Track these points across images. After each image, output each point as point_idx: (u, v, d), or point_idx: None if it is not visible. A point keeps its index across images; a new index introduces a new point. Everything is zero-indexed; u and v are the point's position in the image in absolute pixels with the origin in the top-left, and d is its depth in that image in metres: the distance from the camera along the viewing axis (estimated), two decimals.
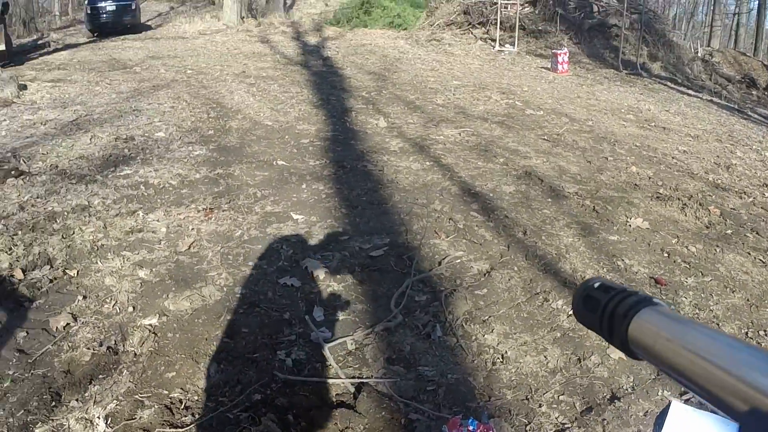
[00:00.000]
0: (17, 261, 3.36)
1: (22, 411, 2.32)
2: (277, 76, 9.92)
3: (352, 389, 2.58)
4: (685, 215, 4.66)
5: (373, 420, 2.41)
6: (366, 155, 5.65)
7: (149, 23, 19.57)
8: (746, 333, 3.14)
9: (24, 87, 6.85)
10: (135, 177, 4.73)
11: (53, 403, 2.37)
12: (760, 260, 3.97)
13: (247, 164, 5.19)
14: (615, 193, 5.05)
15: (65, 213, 4.00)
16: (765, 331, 3.19)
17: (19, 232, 3.65)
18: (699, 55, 18.30)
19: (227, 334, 2.88)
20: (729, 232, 4.34)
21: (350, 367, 2.74)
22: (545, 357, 2.86)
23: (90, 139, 5.50)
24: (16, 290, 3.10)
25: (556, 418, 2.45)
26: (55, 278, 3.25)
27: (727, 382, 0.54)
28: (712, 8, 33.24)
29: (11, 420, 2.27)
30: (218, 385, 2.53)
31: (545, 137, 6.78)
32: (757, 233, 4.43)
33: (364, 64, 11.99)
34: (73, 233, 3.73)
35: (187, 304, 3.10)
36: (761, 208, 5.05)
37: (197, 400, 2.44)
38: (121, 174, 4.76)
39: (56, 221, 3.86)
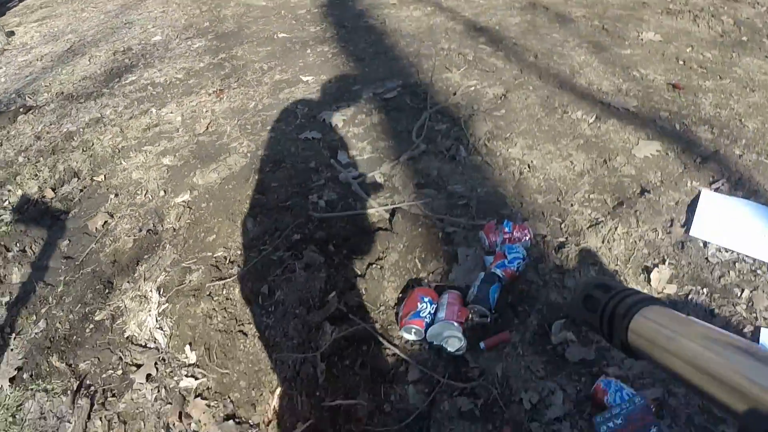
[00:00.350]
0: (45, 183, 3.42)
1: (80, 305, 2.45)
2: None
3: (387, 215, 2.63)
4: (698, 26, 4.43)
5: (411, 237, 2.48)
6: (366, 12, 5.45)
7: None
8: None
9: (11, 33, 6.66)
10: (141, 81, 4.68)
11: (107, 291, 2.51)
12: None
13: (248, 44, 5.07)
14: (623, 12, 4.81)
15: (81, 130, 4.02)
16: None
17: (41, 159, 3.70)
18: None
19: (258, 191, 2.95)
20: (744, 38, 4.14)
21: (382, 197, 2.79)
22: (571, 162, 2.87)
23: (89, 61, 5.40)
24: (50, 207, 3.18)
25: (589, 215, 2.49)
26: (85, 187, 3.32)
27: (726, 381, 0.54)
28: None
29: (71, 316, 2.40)
30: (258, 236, 2.63)
31: None
32: None
33: None
34: (93, 144, 3.77)
35: (214, 176, 3.16)
36: None
37: (240, 254, 2.55)
38: (127, 82, 4.72)
39: (74, 139, 3.88)
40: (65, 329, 2.34)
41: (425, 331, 1.97)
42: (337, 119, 3.49)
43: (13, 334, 2.36)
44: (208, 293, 2.35)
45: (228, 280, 2.38)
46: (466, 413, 1.76)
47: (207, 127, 3.70)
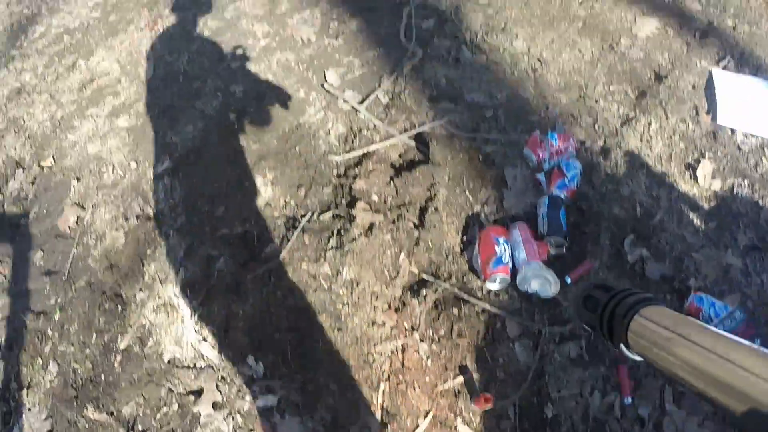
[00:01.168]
0: None
1: (92, 333, 1.99)
2: None
3: (412, 143, 2.29)
4: None
5: (453, 166, 2.18)
6: None
7: None
8: None
9: None
10: (52, 31, 3.88)
11: (119, 308, 2.04)
12: None
13: None
14: None
15: (2, 107, 3.31)
16: None
17: None
18: None
19: (252, 139, 2.48)
20: None
21: (397, 120, 2.41)
22: (579, 51, 2.68)
23: None
24: (3, 214, 2.60)
25: (617, 110, 2.36)
26: (35, 178, 2.74)
27: (727, 381, 0.53)
28: None
29: (88, 350, 1.94)
30: (275, 198, 2.19)
31: None
32: None
33: None
34: (24, 122, 3.11)
35: (189, 129, 2.64)
36: None
37: (266, 226, 2.12)
38: (36, 35, 3.91)
39: None
40: (87, 369, 1.89)
41: (511, 277, 1.82)
42: (309, 32, 2.91)
43: (24, 390, 1.89)
44: (251, 285, 1.92)
45: (270, 264, 1.94)
46: (575, 359, 1.67)
47: (154, 70, 3.07)
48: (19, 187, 2.72)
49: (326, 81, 2.64)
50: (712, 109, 2.30)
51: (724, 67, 2.48)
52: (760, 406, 0.49)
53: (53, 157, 2.80)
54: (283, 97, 2.62)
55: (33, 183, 2.70)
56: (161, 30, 3.39)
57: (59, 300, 2.13)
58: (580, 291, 0.82)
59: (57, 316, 2.07)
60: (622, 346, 0.72)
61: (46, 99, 3.21)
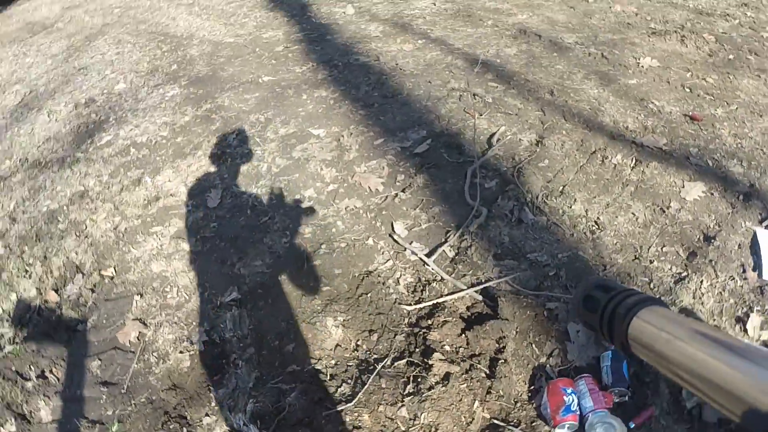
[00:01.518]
0: (42, 282, 2.91)
1: None
2: None
3: (480, 297, 2.43)
4: (687, 47, 4.51)
5: (520, 320, 2.31)
6: (351, 48, 5.12)
7: None
8: None
9: None
10: (119, 141, 4.15)
11: (185, 430, 2.07)
12: None
13: (231, 90, 4.63)
14: (612, 36, 4.78)
15: (64, 208, 3.49)
16: None
17: (26, 248, 3.18)
18: None
19: (321, 280, 2.59)
20: (731, 57, 4.26)
21: (464, 275, 2.55)
22: (633, 214, 2.84)
23: (48, 116, 4.80)
24: (61, 316, 2.68)
25: (670, 270, 2.50)
26: (95, 285, 2.84)
27: (727, 381, 0.53)
28: None
29: None
30: (347, 340, 2.27)
31: None
32: (756, 54, 4.37)
33: None
34: (86, 227, 3.27)
35: (258, 263, 2.77)
36: (748, 28, 4.91)
37: (338, 366, 2.19)
38: (102, 143, 4.18)
39: (59, 220, 3.38)
40: None
41: (579, 424, 1.95)
42: (376, 183, 3.14)
43: None
44: (324, 421, 1.96)
45: (347, 405, 1.99)
46: None
47: (221, 200, 3.26)
48: (78, 292, 2.81)
49: (394, 231, 2.81)
50: (758, 266, 2.47)
51: (767, 226, 2.67)
52: (760, 405, 0.50)
53: (115, 268, 2.91)
54: (352, 243, 2.77)
55: (93, 290, 2.79)
56: (228, 161, 3.62)
57: (117, 412, 2.15)
58: (580, 291, 0.82)
59: (115, 428, 2.09)
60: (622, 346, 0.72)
61: (109, 208, 3.37)
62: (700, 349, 0.58)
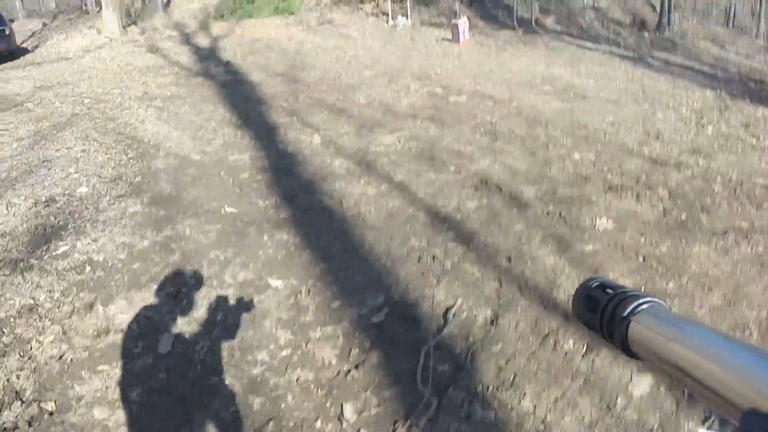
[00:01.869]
0: None
1: None
2: (183, 93, 9.07)
3: None
4: (641, 205, 4.76)
5: None
6: (315, 185, 5.23)
7: (25, 45, 17.57)
8: (733, 334, 3.20)
9: None
10: (75, 254, 4.09)
11: None
12: (721, 247, 4.12)
13: (192, 217, 4.63)
14: (570, 191, 5.02)
15: (11, 319, 3.39)
16: (749, 329, 3.30)
17: None
18: (586, 2, 18.78)
19: None
20: (684, 217, 4.51)
21: None
22: (580, 412, 2.83)
23: (6, 208, 4.72)
24: None
25: None
26: (32, 418, 2.72)
27: (727, 382, 0.53)
28: None
29: None
30: None
31: (481, 129, 6.63)
32: (707, 212, 4.64)
33: (267, 64, 11.28)
34: (31, 348, 3.17)
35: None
36: (701, 179, 5.20)
37: None
38: (58, 253, 4.11)
39: (3, 332, 3.26)
40: None
41: None
42: (330, 354, 3.13)
43: None
44: None
45: None
46: None
47: (172, 347, 3.19)
48: (14, 422, 2.68)
49: (343, 415, 2.77)
50: None
51: (709, 428, 2.61)
52: (761, 405, 0.49)
53: (56, 402, 2.82)
54: (300, 423, 2.72)
55: (29, 423, 2.71)
56: (184, 303, 3.57)
57: None
58: (580, 291, 0.79)
59: None
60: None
61: (58, 331, 3.30)
62: (704, 347, 0.59)
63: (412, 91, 8.37)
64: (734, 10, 37.64)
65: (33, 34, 20.68)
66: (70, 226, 4.49)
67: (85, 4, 25.26)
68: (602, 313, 0.72)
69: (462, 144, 6.12)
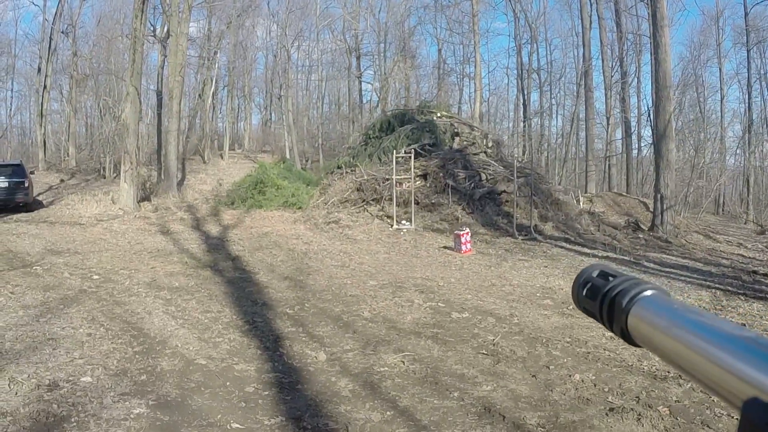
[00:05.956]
0: None
1: None
2: (191, 287, 9.61)
3: None
4: (643, 426, 4.86)
5: None
6: (320, 406, 5.46)
7: (41, 198, 18.84)
8: None
9: None
10: None
11: None
12: None
13: (197, 429, 4.79)
14: (573, 416, 5.20)
15: None
16: None
17: None
18: (582, 206, 20.22)
19: None
20: None
21: None
22: None
23: (9, 386, 4.89)
24: None
25: None
26: None
27: (728, 370, 0.54)
28: (585, 156, 37.14)
29: None
30: None
31: (483, 350, 6.97)
32: (707, 426, 4.70)
33: (275, 264, 12.01)
34: None
35: None
36: (699, 391, 5.37)
37: None
38: None
39: None
40: None
41: None
42: None
43: None
44: None
45: None
46: None
47: None
48: None
49: None
50: None
51: None
52: (761, 394, 0.50)
53: None
54: None
55: None
56: None
57: None
58: (580, 278, 0.81)
59: None
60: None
61: None
62: (704, 334, 0.59)
63: (416, 305, 8.85)
64: (723, 199, 39.77)
65: (50, 188, 22.06)
66: (72, 419, 4.63)
67: (103, 168, 27.05)
68: (602, 300, 0.75)
69: (465, 366, 6.43)
